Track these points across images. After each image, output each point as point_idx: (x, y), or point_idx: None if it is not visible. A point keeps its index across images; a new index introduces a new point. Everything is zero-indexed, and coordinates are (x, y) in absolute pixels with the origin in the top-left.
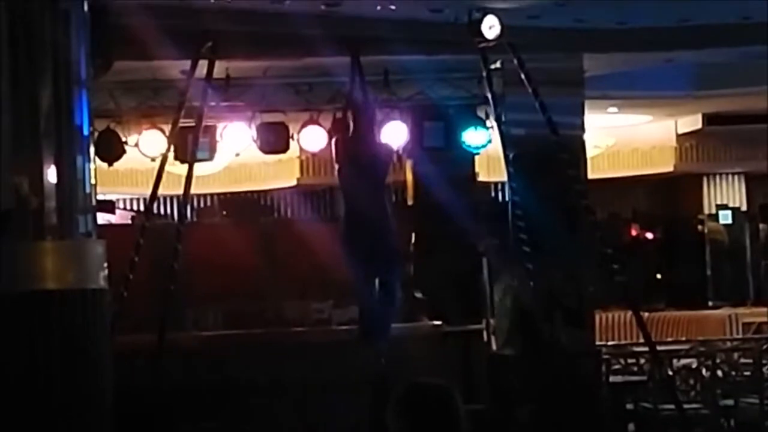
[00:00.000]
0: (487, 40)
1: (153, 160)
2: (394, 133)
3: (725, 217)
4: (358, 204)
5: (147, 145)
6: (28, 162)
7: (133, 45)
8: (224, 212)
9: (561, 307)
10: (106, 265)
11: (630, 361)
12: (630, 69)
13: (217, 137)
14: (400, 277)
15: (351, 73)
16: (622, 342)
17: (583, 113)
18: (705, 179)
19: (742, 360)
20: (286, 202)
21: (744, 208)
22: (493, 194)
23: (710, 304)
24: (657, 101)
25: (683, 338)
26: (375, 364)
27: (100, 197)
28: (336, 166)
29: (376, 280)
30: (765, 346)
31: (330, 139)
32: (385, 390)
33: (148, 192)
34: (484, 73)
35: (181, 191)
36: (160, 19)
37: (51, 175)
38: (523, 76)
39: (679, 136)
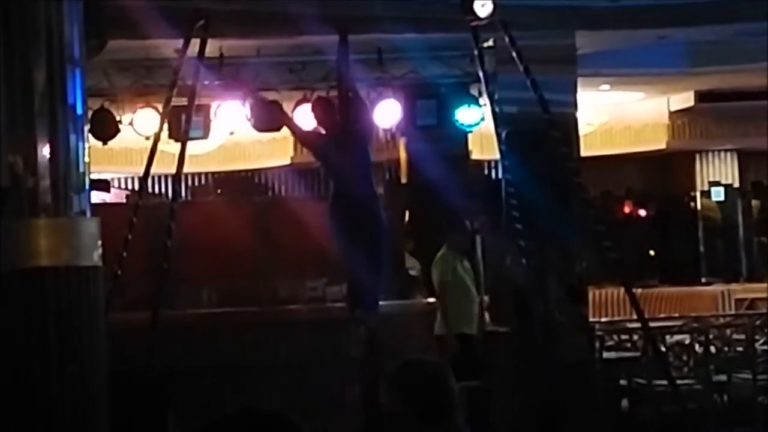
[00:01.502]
0: (479, 18)
1: (147, 138)
2: (387, 112)
3: (718, 194)
4: (345, 178)
5: (141, 123)
6: (23, 141)
7: (127, 24)
8: (218, 191)
9: (561, 283)
10: (100, 243)
11: (623, 337)
12: (622, 47)
13: (211, 116)
14: (387, 246)
15: (338, 52)
16: (616, 318)
17: (575, 91)
18: (697, 156)
19: (735, 336)
20: (279, 180)
21: (736, 184)
22: (486, 172)
23: (703, 280)
24: (649, 79)
25: (676, 314)
26: (366, 335)
27: (94, 176)
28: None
29: (363, 250)
30: (757, 322)
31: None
32: (377, 360)
33: (143, 171)
34: (477, 52)
35: (175, 170)
36: None
37: (45, 154)
38: (515, 54)
39: (671, 113)
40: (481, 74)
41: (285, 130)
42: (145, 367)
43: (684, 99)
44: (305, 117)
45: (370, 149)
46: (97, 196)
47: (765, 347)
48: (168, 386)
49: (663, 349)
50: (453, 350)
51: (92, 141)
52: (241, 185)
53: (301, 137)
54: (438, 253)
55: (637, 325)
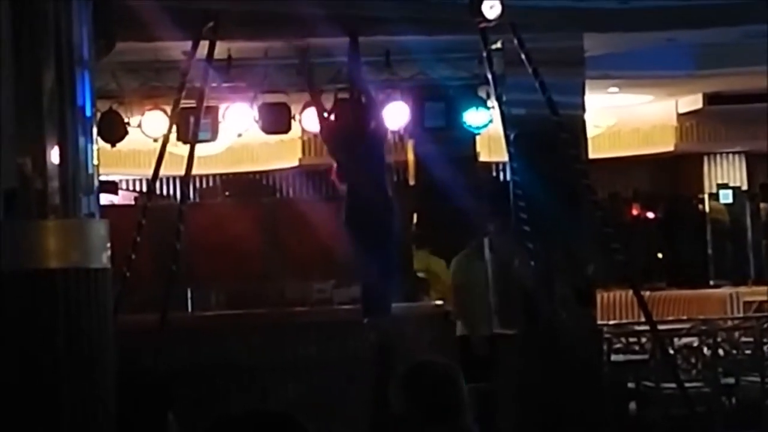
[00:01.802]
0: (487, 20)
1: (155, 140)
2: (396, 114)
3: (726, 197)
4: (358, 183)
5: (149, 125)
6: (31, 142)
7: (136, 26)
8: (226, 193)
9: (569, 285)
10: (109, 245)
11: (631, 340)
12: (631, 49)
13: (219, 118)
14: (399, 252)
15: (349, 54)
16: (624, 321)
17: (583, 93)
18: (706, 159)
19: (743, 338)
20: (288, 182)
21: (745, 187)
22: (494, 174)
23: (711, 283)
24: (658, 81)
25: (684, 317)
26: (378, 340)
27: (103, 178)
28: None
29: (377, 256)
30: (766, 325)
31: (329, 117)
32: (389, 366)
33: (151, 173)
34: (485, 53)
35: (183, 172)
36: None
37: (54, 155)
38: (523, 56)
39: (679, 115)
40: (489, 76)
41: (293, 132)
42: (143, 369)
43: (692, 101)
44: (313, 118)
45: (384, 152)
46: (105, 198)
47: None
48: (167, 387)
49: (671, 351)
50: (479, 351)
51: (101, 143)
52: (249, 187)
53: (324, 131)
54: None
55: (645, 327)
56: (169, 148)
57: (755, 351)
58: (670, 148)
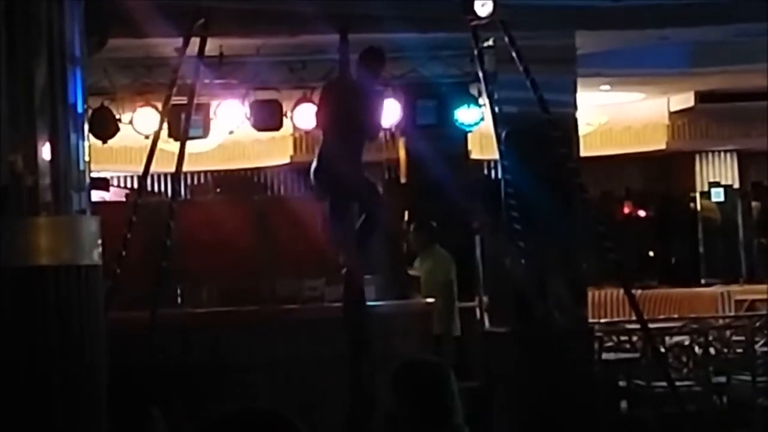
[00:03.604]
0: (479, 18)
1: (147, 137)
2: (387, 111)
3: (718, 195)
4: (332, 151)
5: (141, 122)
6: (23, 139)
7: (127, 22)
8: (217, 190)
9: (561, 284)
10: (99, 241)
11: (622, 338)
12: (622, 47)
13: (211, 115)
14: (375, 236)
15: (339, 51)
16: (615, 319)
17: (575, 91)
18: (697, 157)
19: (735, 337)
20: (279, 179)
21: (736, 185)
22: (486, 172)
23: (703, 281)
24: (649, 79)
25: (676, 315)
26: (352, 333)
27: (94, 174)
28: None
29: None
30: (757, 324)
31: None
32: (363, 356)
33: (142, 169)
34: (476, 51)
35: (174, 169)
36: None
37: (45, 152)
38: (514, 53)
39: (671, 113)
40: (480, 74)
41: (284, 129)
42: (143, 366)
43: (684, 99)
44: (305, 116)
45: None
46: (96, 195)
47: (764, 349)
48: (166, 384)
49: (662, 350)
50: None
51: (92, 139)
52: (240, 184)
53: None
54: (442, 252)
55: (637, 326)
56: (160, 144)
57: (746, 350)
58: (662, 146)
